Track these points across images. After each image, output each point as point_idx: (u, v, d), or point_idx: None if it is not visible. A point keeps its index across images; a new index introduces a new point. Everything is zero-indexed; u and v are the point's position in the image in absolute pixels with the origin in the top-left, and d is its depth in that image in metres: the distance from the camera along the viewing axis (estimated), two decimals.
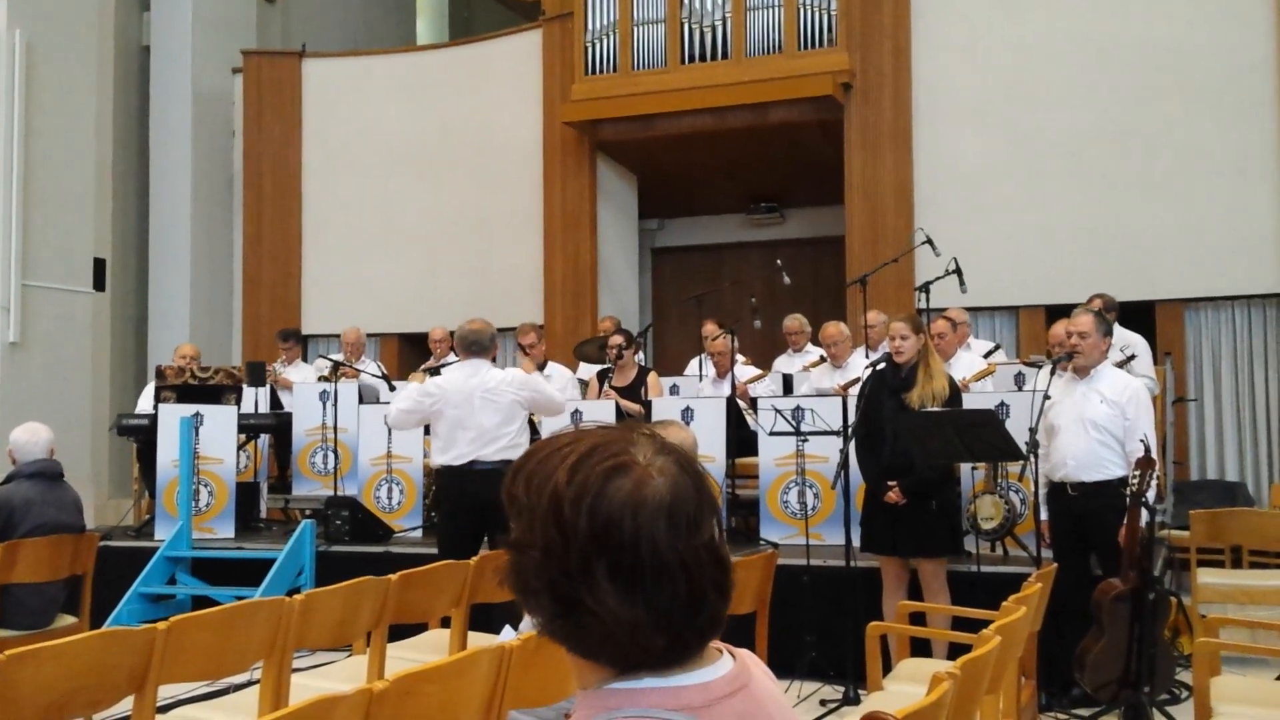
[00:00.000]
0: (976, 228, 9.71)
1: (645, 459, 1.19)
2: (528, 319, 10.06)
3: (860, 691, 5.34)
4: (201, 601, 6.59)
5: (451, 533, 6.07)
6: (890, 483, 5.53)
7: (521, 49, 11.80)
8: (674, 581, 1.15)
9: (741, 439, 7.48)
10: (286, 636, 3.69)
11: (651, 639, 1.16)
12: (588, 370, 8.78)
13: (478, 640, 4.48)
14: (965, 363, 7.34)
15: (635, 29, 10.62)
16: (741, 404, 7.67)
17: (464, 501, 5.94)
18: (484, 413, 5.90)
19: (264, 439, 8.67)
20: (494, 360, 6.20)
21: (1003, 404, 6.45)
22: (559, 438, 1.24)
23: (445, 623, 4.83)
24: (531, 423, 7.80)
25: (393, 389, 8.67)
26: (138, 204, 12.49)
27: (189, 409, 7.57)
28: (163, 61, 12.53)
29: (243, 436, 8.15)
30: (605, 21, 10.73)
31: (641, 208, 12.39)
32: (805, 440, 6.70)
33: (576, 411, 7.39)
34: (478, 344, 6.03)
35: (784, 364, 8.76)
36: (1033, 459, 5.35)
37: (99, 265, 10.70)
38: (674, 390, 8.57)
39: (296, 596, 3.81)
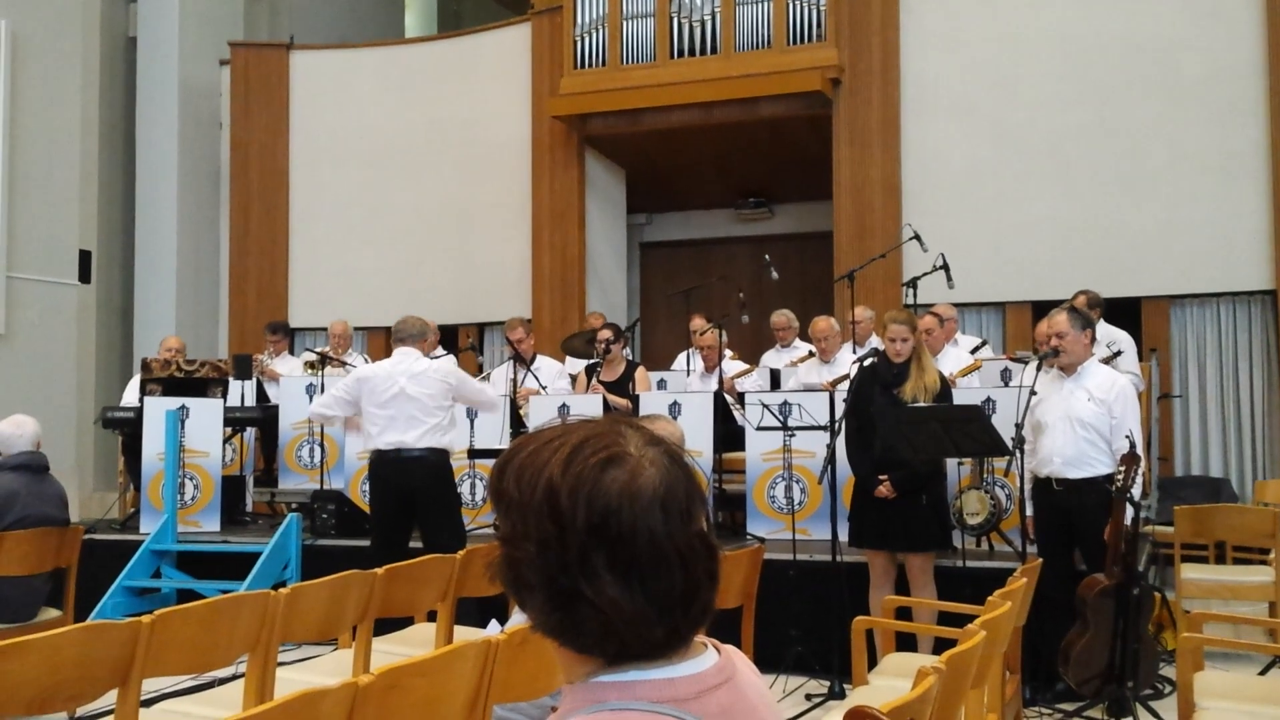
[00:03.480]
0: (964, 224, 9.74)
1: (637, 450, 1.19)
2: (515, 313, 10.06)
3: (845, 686, 5.35)
4: (186, 595, 6.56)
5: (380, 519, 6.12)
6: (881, 477, 5.54)
7: (510, 42, 11.78)
8: (671, 571, 1.16)
9: (729, 434, 7.48)
10: (272, 630, 3.68)
11: (652, 629, 1.16)
12: (575, 364, 8.78)
13: (464, 634, 4.48)
14: (952, 358, 7.36)
15: (624, 23, 10.61)
16: (729, 399, 7.67)
17: (391, 487, 6.01)
18: (411, 395, 5.97)
19: (250, 432, 8.65)
20: (431, 352, 6.36)
21: (989, 399, 6.47)
22: (544, 432, 1.24)
23: (431, 617, 4.82)
24: (519, 417, 7.82)
25: None
26: (123, 196, 12.44)
27: (175, 402, 7.55)
28: (149, 53, 12.47)
29: (229, 430, 8.12)
30: (594, 15, 10.72)
31: (630, 202, 12.39)
32: (792, 435, 6.71)
33: (564, 406, 7.38)
34: (401, 333, 6.15)
35: (771, 359, 8.77)
36: (1018, 454, 5.36)
37: (84, 257, 10.66)
38: (661, 385, 8.57)
39: (282, 590, 3.79)
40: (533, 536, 1.17)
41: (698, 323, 8.70)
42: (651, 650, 1.18)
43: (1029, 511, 5.60)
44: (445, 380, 6.06)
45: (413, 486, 5.96)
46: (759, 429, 6.63)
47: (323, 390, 8.33)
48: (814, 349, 8.03)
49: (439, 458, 6.03)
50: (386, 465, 6.01)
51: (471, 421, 7.58)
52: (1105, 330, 7.27)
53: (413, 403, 5.96)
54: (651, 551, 1.15)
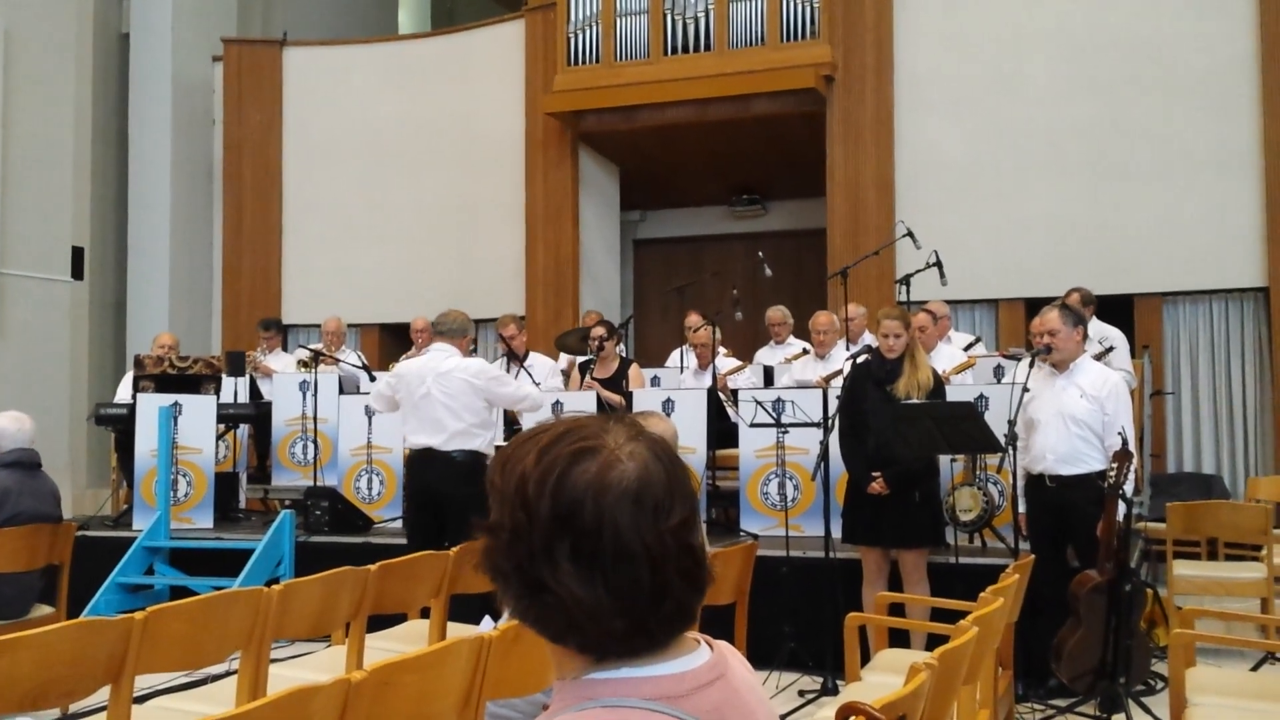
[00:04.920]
0: (957, 220, 9.74)
1: (615, 443, 1.19)
2: (509, 310, 10.06)
3: (838, 682, 5.36)
4: (179, 592, 6.55)
5: (413, 521, 6.08)
6: (874, 473, 5.55)
7: (504, 39, 11.76)
8: (636, 566, 1.15)
9: (722, 430, 7.49)
10: (265, 627, 3.68)
11: (610, 622, 1.15)
12: (569, 361, 8.78)
13: (457, 631, 4.48)
14: (945, 355, 7.36)
15: (618, 20, 10.60)
16: (722, 396, 7.68)
17: (420, 489, 5.95)
18: (436, 397, 5.85)
19: (243, 429, 8.64)
20: (471, 349, 6.21)
21: (982, 396, 6.48)
22: (539, 426, 1.25)
23: (425, 613, 4.82)
24: (512, 414, 7.82)
25: (373, 379, 8.65)
26: (117, 192, 12.40)
27: (168, 399, 7.54)
28: (142, 49, 12.43)
29: (222, 426, 8.11)
30: (588, 12, 10.71)
31: (623, 199, 12.38)
32: (785, 432, 6.72)
33: (557, 402, 7.38)
34: (440, 326, 6.03)
35: (766, 356, 8.77)
36: (1011, 451, 5.37)
37: (77, 254, 10.64)
38: (655, 382, 8.57)
39: (275, 587, 3.79)
40: (507, 525, 1.19)
41: (692, 319, 8.70)
42: (621, 646, 1.18)
43: (1021, 508, 5.62)
44: (471, 382, 5.87)
45: (439, 487, 5.82)
46: (752, 426, 6.64)
47: (316, 389, 8.36)
48: (808, 345, 8.04)
49: (469, 459, 5.81)
50: (415, 464, 5.97)
51: None
52: (1097, 327, 7.28)
53: (438, 404, 5.83)
54: (616, 545, 1.15)
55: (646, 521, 1.16)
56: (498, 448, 6.19)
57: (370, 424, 7.89)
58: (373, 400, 6.45)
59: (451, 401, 5.84)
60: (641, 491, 1.17)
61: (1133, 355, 7.93)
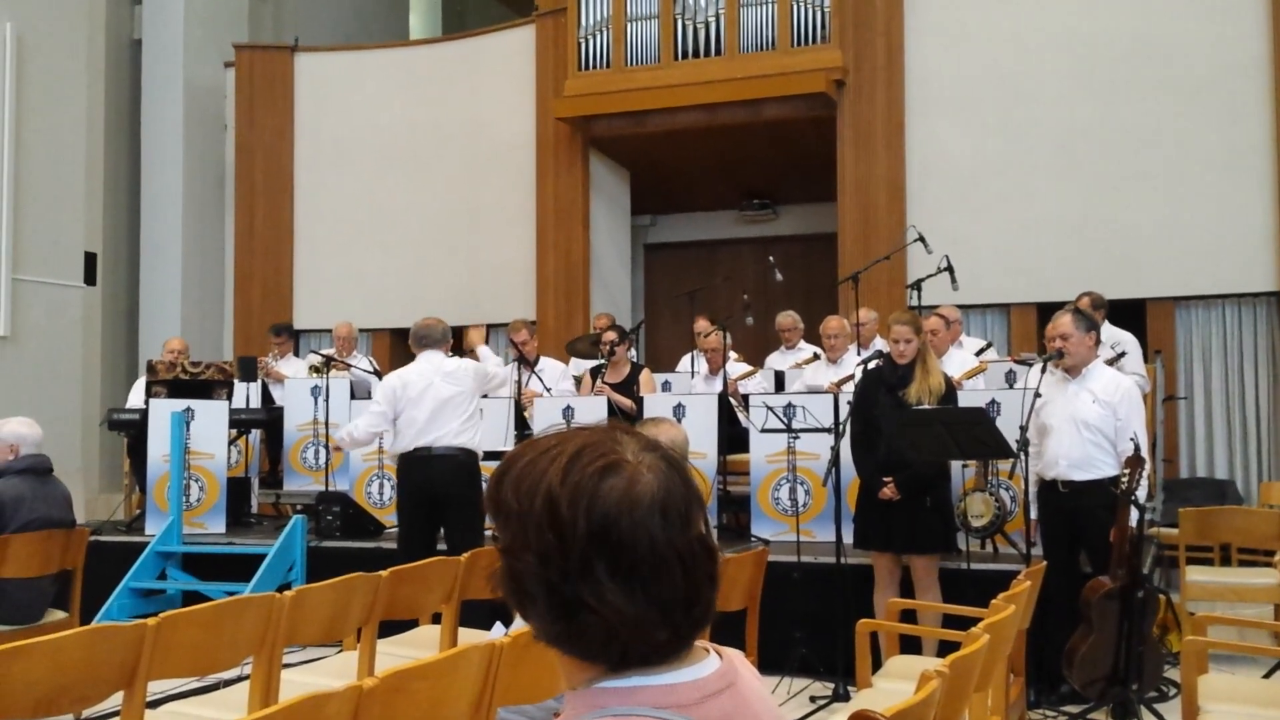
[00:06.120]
0: (968, 225, 9.72)
1: (634, 457, 1.20)
2: (520, 314, 10.07)
3: (850, 688, 5.36)
4: (192, 597, 6.58)
5: (407, 524, 6.15)
6: (886, 479, 5.54)
7: (515, 44, 11.78)
8: (672, 575, 1.17)
9: (733, 436, 7.48)
10: (277, 632, 3.69)
11: (655, 633, 1.17)
12: (580, 366, 8.78)
13: (468, 636, 4.48)
14: (957, 360, 7.34)
15: (629, 25, 10.61)
16: (733, 401, 7.67)
17: (419, 487, 6.04)
18: (444, 395, 6.08)
19: (255, 434, 8.65)
20: (450, 353, 6.43)
21: (994, 402, 6.47)
22: (541, 441, 1.24)
23: (436, 618, 4.83)
24: (523, 419, 7.83)
25: None
26: (129, 198, 12.45)
27: (180, 404, 7.56)
28: (154, 55, 12.48)
29: (234, 431, 8.13)
30: (599, 17, 10.73)
31: (634, 203, 12.39)
32: (797, 437, 6.71)
33: (568, 408, 7.39)
34: (428, 338, 6.25)
35: (776, 361, 8.77)
36: (1023, 457, 5.36)
37: (90, 259, 10.68)
38: (666, 387, 8.57)
39: (287, 592, 3.80)
40: (532, 547, 1.18)
41: (702, 324, 8.70)
42: (654, 654, 1.19)
43: (1033, 514, 5.60)
44: (476, 377, 6.27)
45: (440, 487, 6.01)
46: (763, 431, 6.63)
47: (327, 394, 8.37)
48: (819, 350, 8.03)
49: (469, 458, 6.11)
50: (416, 464, 6.06)
51: None
52: (1110, 332, 7.26)
53: (447, 401, 6.07)
54: (652, 557, 1.16)
55: (675, 530, 1.18)
56: (488, 453, 6.32)
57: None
58: (370, 425, 6.22)
59: (460, 397, 6.12)
60: (666, 502, 1.18)
61: (1145, 360, 7.91)
